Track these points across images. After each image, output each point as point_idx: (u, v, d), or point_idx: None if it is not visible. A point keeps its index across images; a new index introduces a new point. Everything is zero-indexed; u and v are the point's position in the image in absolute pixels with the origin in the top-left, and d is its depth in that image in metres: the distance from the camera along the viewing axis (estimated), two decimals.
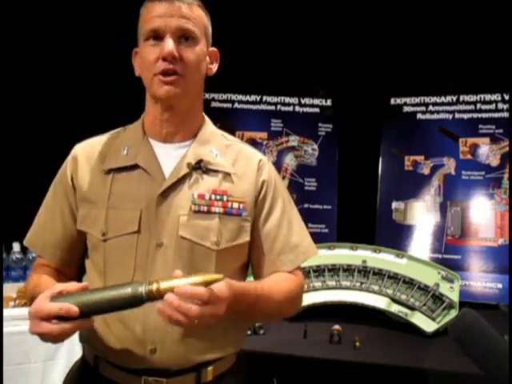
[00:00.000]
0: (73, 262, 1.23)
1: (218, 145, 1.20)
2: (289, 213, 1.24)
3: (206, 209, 1.12)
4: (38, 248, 1.24)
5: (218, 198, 1.14)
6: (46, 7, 2.78)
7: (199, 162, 1.15)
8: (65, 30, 2.82)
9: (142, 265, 1.10)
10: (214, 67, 1.21)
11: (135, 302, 0.94)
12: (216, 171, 1.16)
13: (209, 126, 1.23)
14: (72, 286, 1.00)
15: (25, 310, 2.13)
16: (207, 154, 1.16)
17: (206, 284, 0.93)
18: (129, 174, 1.14)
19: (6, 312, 2.09)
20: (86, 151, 1.19)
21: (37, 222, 1.25)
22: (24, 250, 2.51)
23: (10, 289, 2.29)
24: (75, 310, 0.94)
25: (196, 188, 1.13)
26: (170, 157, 1.15)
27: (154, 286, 0.93)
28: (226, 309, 0.97)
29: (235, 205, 1.15)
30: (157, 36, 1.09)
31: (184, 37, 1.10)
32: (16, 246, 2.48)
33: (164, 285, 0.93)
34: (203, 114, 1.24)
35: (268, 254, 1.20)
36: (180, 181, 1.13)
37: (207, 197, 1.13)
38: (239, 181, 1.17)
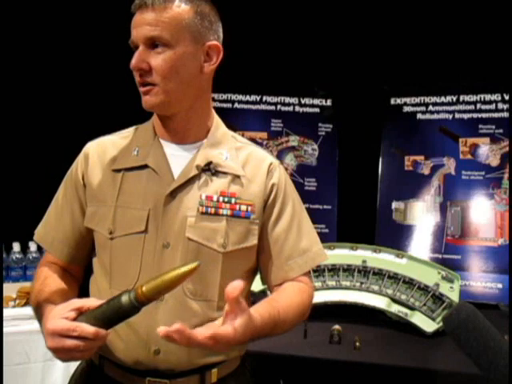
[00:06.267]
0: (80, 259, 1.23)
1: (228, 147, 1.20)
2: (299, 217, 1.24)
3: (213, 211, 1.13)
4: (46, 243, 1.24)
5: (226, 200, 1.14)
6: (55, 4, 2.78)
7: (209, 163, 1.15)
8: (72, 28, 2.81)
9: (148, 265, 1.11)
10: (214, 63, 1.16)
11: (130, 310, 0.95)
12: (225, 173, 1.16)
13: (220, 128, 1.23)
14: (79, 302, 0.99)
15: (25, 310, 2.16)
16: (217, 156, 1.16)
17: (185, 275, 0.93)
18: (138, 173, 1.14)
19: (6, 312, 2.09)
20: (98, 150, 1.20)
21: (46, 218, 1.26)
22: (24, 249, 2.51)
23: (10, 289, 2.29)
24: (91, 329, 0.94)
25: (204, 190, 1.13)
26: (179, 158, 1.15)
27: (139, 290, 0.94)
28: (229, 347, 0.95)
29: (243, 207, 1.15)
30: (135, 47, 1.10)
31: (153, 44, 1.07)
32: (16, 246, 2.48)
33: (147, 286, 0.93)
34: (214, 114, 1.23)
35: (276, 259, 1.20)
36: (188, 182, 1.13)
37: (215, 199, 1.13)
38: (248, 183, 1.17)
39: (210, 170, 1.14)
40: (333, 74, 2.99)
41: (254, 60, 2.82)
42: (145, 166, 1.14)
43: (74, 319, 0.95)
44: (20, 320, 2.04)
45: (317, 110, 3.01)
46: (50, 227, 1.24)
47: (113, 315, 0.96)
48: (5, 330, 1.84)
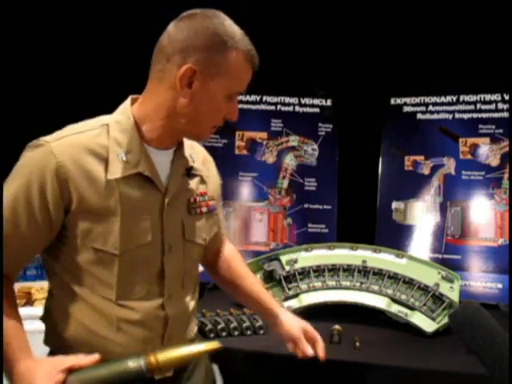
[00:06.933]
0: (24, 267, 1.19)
1: (189, 148, 1.24)
2: None
3: (198, 211, 1.23)
4: None
5: (201, 199, 1.24)
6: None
7: (189, 169, 1.22)
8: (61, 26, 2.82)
9: (155, 271, 1.15)
10: None
11: (137, 377, 0.96)
12: (196, 175, 1.24)
13: None
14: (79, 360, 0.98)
15: (25, 310, 2.15)
16: (189, 160, 1.22)
17: (206, 352, 1.00)
18: (129, 181, 1.10)
19: None
20: (71, 154, 1.06)
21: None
22: None
23: None
24: None
25: (189, 193, 1.22)
26: (161, 162, 1.15)
27: (152, 359, 0.96)
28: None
29: (212, 203, 1.27)
30: (235, 95, 1.15)
31: None
32: None
33: (162, 356, 0.97)
34: None
35: (219, 234, 1.40)
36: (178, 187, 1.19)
37: (198, 199, 1.23)
38: (208, 180, 1.29)
39: (188, 174, 1.22)
40: (333, 74, 2.98)
41: None
42: (136, 174, 1.11)
43: (64, 381, 0.94)
44: None
45: (317, 110, 3.01)
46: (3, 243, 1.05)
47: (115, 380, 0.95)
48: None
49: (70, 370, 0.95)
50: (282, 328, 1.33)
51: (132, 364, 0.95)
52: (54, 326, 1.14)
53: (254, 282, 1.41)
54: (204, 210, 1.24)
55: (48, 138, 1.09)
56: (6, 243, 1.04)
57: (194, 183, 1.23)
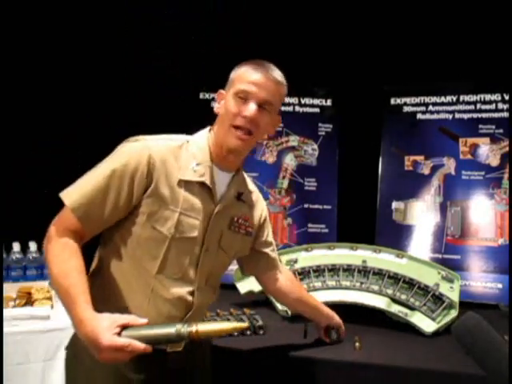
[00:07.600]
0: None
1: (245, 178, 1.54)
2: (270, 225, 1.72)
3: (237, 229, 1.50)
4: (83, 215, 1.30)
5: (243, 222, 1.51)
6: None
7: (240, 194, 1.50)
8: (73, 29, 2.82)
9: (193, 262, 1.41)
10: (274, 130, 1.53)
11: (178, 340, 1.18)
12: (243, 201, 1.52)
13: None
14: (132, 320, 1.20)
15: (25, 310, 2.15)
16: (243, 186, 1.52)
17: (236, 329, 1.25)
18: (194, 186, 1.39)
19: (6, 312, 2.08)
20: (160, 153, 1.36)
21: (88, 194, 1.31)
22: (24, 249, 2.51)
23: (10, 289, 2.29)
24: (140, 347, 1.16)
25: (234, 212, 1.49)
26: (220, 181, 1.45)
27: (194, 329, 1.18)
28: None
29: (250, 229, 1.55)
30: (244, 97, 1.37)
31: (264, 105, 1.39)
32: (16, 246, 2.48)
33: (201, 328, 1.18)
34: None
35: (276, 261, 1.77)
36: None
37: (240, 221, 1.51)
38: (253, 210, 1.56)
39: (239, 197, 1.49)
40: (333, 74, 2.99)
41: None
42: (201, 182, 1.39)
43: (119, 333, 1.16)
44: (20, 320, 2.04)
45: (317, 110, 3.01)
46: (91, 204, 1.31)
47: (159, 339, 1.18)
48: (5, 329, 1.84)
49: (124, 327, 1.17)
50: (331, 319, 1.83)
51: (176, 330, 1.17)
52: (100, 284, 1.36)
53: (310, 295, 1.86)
54: (242, 231, 1.52)
55: (145, 137, 1.39)
56: (96, 206, 1.30)
57: (239, 207, 1.51)
